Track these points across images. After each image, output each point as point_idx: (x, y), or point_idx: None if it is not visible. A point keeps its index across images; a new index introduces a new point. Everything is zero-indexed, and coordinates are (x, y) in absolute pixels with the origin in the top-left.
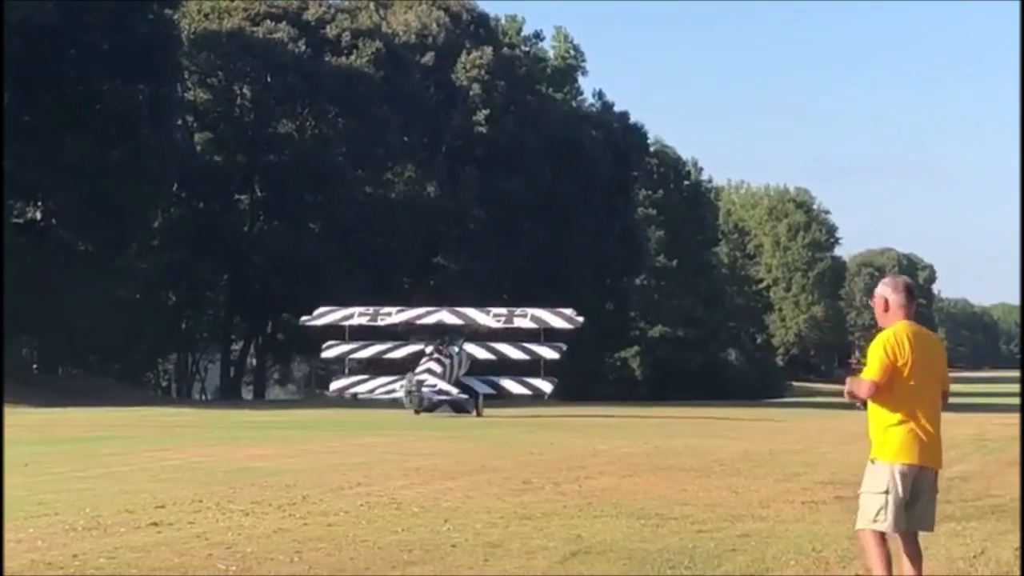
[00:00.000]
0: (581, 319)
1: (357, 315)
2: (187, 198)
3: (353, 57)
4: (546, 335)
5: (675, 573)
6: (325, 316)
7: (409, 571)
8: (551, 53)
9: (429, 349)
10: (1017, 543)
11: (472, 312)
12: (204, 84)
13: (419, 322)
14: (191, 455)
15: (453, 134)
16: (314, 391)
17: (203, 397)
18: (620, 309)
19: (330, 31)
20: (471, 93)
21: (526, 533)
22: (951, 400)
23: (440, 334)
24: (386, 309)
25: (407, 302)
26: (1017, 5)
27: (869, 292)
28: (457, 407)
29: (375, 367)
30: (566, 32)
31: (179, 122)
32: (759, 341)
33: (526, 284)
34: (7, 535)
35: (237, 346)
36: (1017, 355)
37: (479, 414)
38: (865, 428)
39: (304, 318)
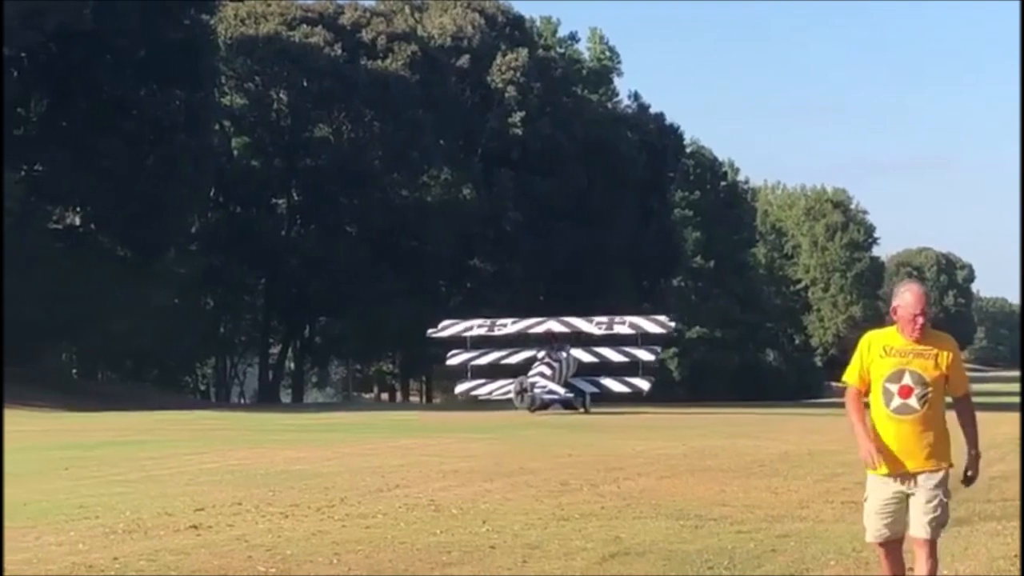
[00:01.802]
0: (673, 324)
1: (476, 327)
2: (224, 203)
3: (388, 60)
4: (642, 339)
5: (714, 574)
6: (449, 328)
7: (448, 572)
8: (586, 55)
9: (540, 354)
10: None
11: (577, 321)
12: (241, 89)
13: (531, 331)
14: (230, 458)
15: (488, 136)
16: (351, 394)
17: (241, 401)
18: (657, 310)
19: (365, 35)
20: (506, 95)
21: (565, 534)
22: (987, 400)
23: (549, 341)
24: (502, 321)
25: (443, 304)
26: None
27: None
28: (566, 405)
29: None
30: (601, 33)
31: (216, 127)
32: (797, 342)
33: (562, 286)
34: (47, 538)
35: (275, 350)
36: None
37: (586, 411)
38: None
39: (430, 331)
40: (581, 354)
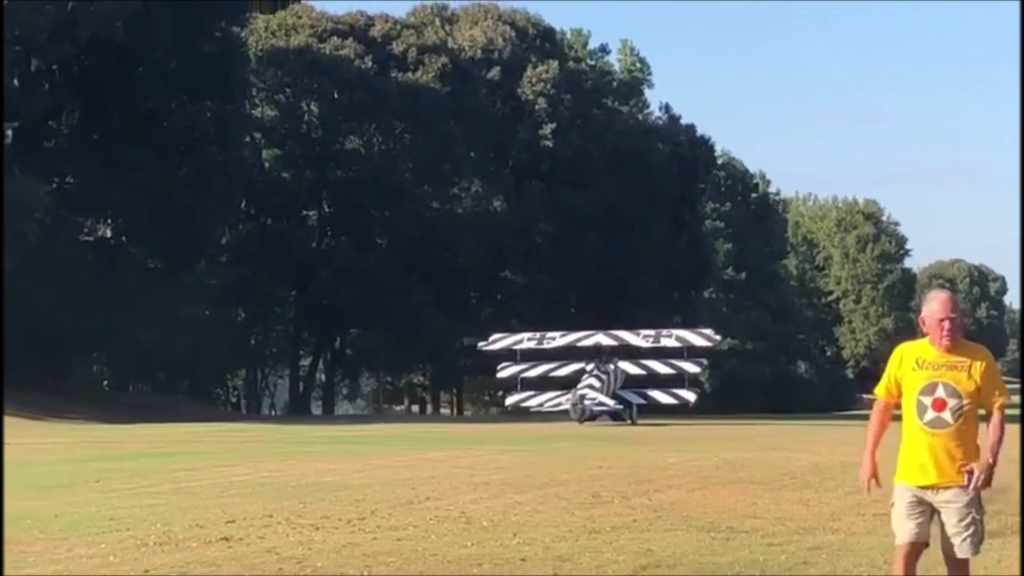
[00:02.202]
0: (719, 337)
1: (526, 340)
2: (255, 214)
3: (419, 73)
4: (688, 352)
5: None
6: (499, 342)
7: None
8: (617, 66)
9: (589, 367)
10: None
11: (625, 334)
12: (271, 101)
13: (580, 344)
14: (261, 470)
15: (519, 148)
16: (382, 406)
17: (272, 413)
18: (688, 323)
19: (396, 47)
20: (537, 107)
21: (596, 547)
22: (1014, 411)
23: (598, 354)
24: (551, 334)
25: (474, 316)
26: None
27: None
28: (615, 416)
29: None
30: (632, 45)
31: (247, 139)
32: (829, 354)
33: (593, 298)
34: (79, 550)
35: (305, 361)
36: None
37: (633, 422)
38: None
39: (480, 344)
40: (628, 366)
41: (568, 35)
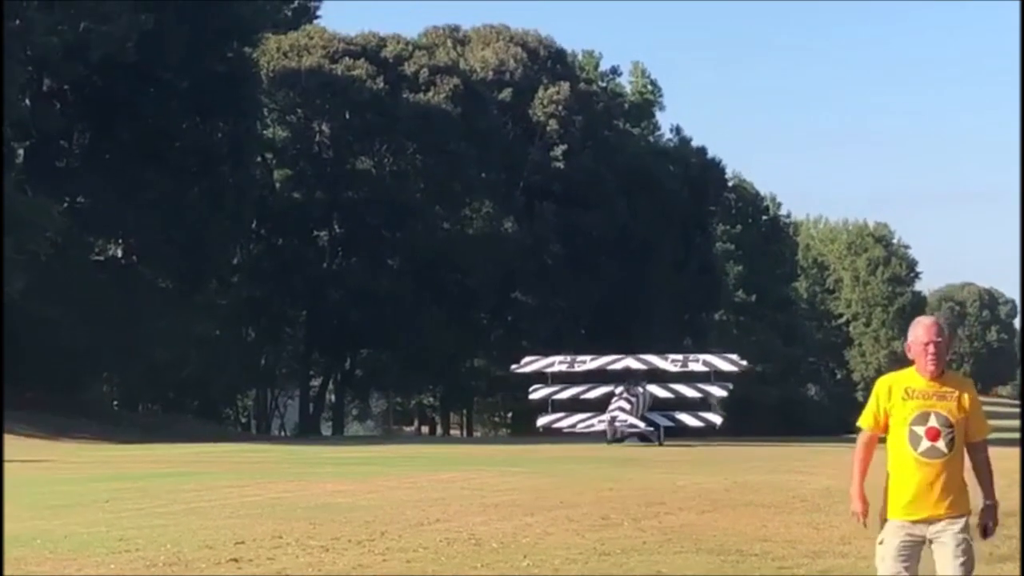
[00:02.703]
0: (745, 363)
1: (557, 363)
2: (266, 235)
3: (431, 94)
4: (715, 376)
5: None
6: (531, 364)
7: None
8: (628, 88)
9: (619, 390)
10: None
11: (653, 358)
12: (283, 121)
13: (609, 368)
14: (271, 491)
15: (530, 169)
16: (391, 427)
17: (282, 433)
18: (698, 344)
19: (408, 68)
20: (548, 128)
21: (605, 569)
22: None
23: (627, 377)
24: (581, 357)
25: (484, 337)
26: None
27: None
28: (643, 438)
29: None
30: (643, 67)
31: (258, 159)
32: (839, 376)
33: (604, 319)
34: (88, 571)
35: (316, 382)
36: None
37: (661, 443)
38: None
39: (513, 367)
40: (657, 390)
41: (579, 57)
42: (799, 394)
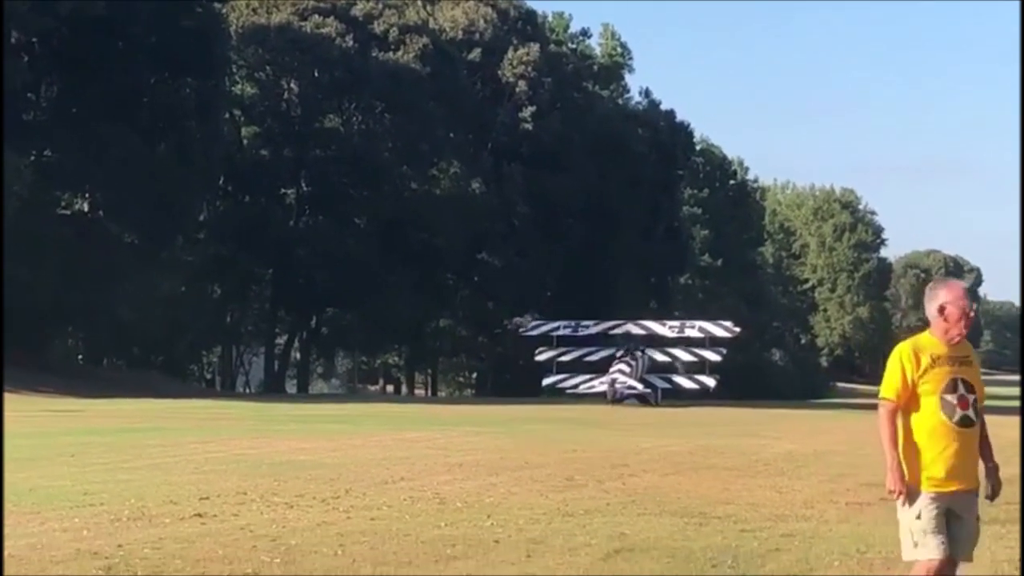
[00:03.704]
0: (739, 329)
1: (562, 327)
2: (233, 192)
3: (400, 53)
4: (710, 342)
5: (718, 572)
6: (538, 328)
7: (451, 566)
8: (598, 51)
9: (619, 353)
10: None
11: (652, 324)
12: (252, 78)
13: (611, 332)
14: (235, 447)
15: (499, 131)
16: (357, 386)
17: (247, 390)
18: (664, 308)
19: (377, 27)
20: (517, 90)
21: (569, 530)
22: (990, 403)
23: (627, 342)
24: (585, 322)
25: (450, 298)
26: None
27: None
28: (642, 399)
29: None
30: (613, 29)
31: (226, 116)
32: (803, 342)
33: (570, 281)
34: (52, 524)
35: (281, 340)
36: None
37: (657, 404)
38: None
39: (521, 330)
40: (655, 354)
41: (550, 18)
42: (764, 359)
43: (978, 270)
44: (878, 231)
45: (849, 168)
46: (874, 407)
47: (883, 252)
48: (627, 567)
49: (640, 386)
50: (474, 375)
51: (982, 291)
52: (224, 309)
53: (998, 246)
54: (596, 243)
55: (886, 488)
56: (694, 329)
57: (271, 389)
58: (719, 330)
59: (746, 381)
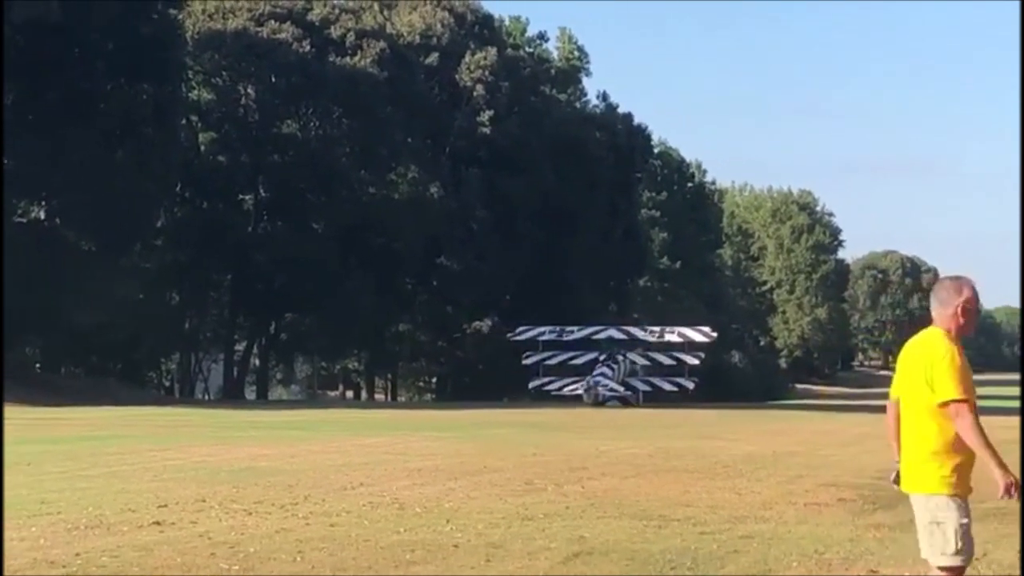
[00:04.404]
0: (715, 334)
1: (548, 332)
2: (191, 198)
3: (357, 57)
4: (688, 346)
5: (677, 574)
6: (525, 333)
7: (411, 571)
8: (555, 54)
9: (602, 357)
10: (1019, 545)
11: (634, 329)
12: (209, 84)
13: (594, 337)
14: (194, 454)
15: (457, 135)
16: (316, 392)
17: (206, 397)
18: (623, 311)
19: (334, 31)
20: (475, 94)
21: (528, 534)
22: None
23: (610, 346)
24: (569, 328)
25: (410, 302)
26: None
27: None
28: (624, 401)
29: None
30: (570, 33)
31: (183, 122)
32: (762, 343)
33: (529, 285)
34: (9, 533)
35: (240, 346)
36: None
37: (638, 406)
38: (867, 430)
39: (509, 334)
40: (637, 358)
41: (507, 22)
42: (723, 361)
43: (935, 270)
44: (836, 232)
45: (806, 170)
46: (831, 408)
47: (841, 253)
48: (586, 570)
49: (621, 388)
50: (434, 380)
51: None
52: (182, 315)
53: (956, 246)
54: (555, 246)
55: (1002, 490)
56: (673, 334)
57: (230, 396)
58: (698, 335)
59: (706, 383)
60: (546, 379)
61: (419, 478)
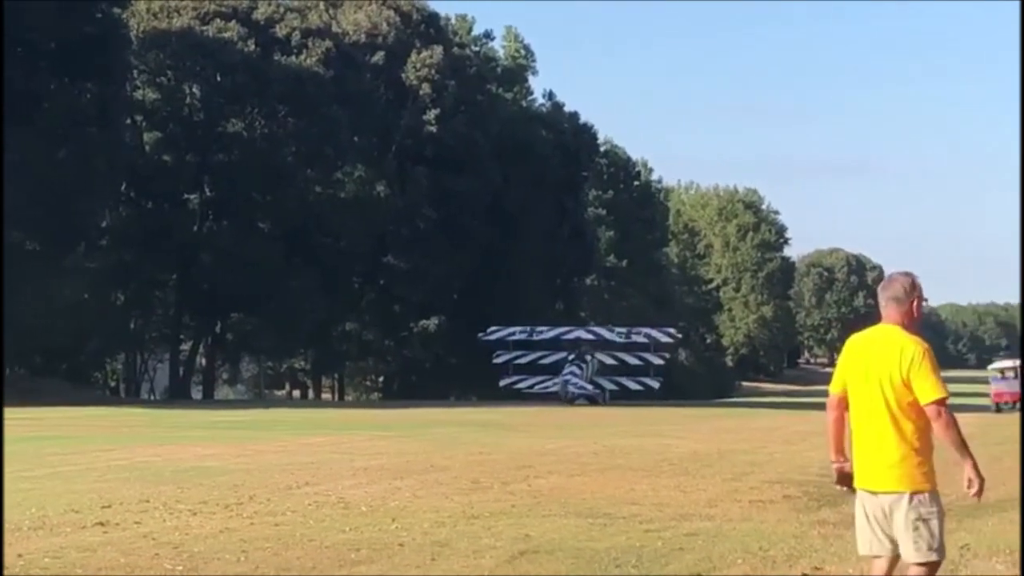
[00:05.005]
0: (680, 335)
1: (518, 332)
2: (136, 198)
3: (303, 56)
4: (654, 347)
5: (622, 572)
6: (496, 333)
7: (356, 570)
8: (501, 53)
9: (571, 357)
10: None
11: (601, 330)
12: (153, 83)
13: (563, 337)
14: (139, 455)
15: (403, 134)
16: (263, 391)
17: (151, 397)
18: (570, 309)
19: (280, 30)
20: (421, 93)
21: (474, 532)
22: None
23: (579, 347)
24: (540, 328)
25: (357, 301)
26: (950, 6)
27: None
28: (591, 400)
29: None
30: (516, 32)
31: (128, 121)
32: (709, 341)
33: (476, 283)
34: None
35: (186, 346)
36: (964, 355)
37: (605, 404)
38: (812, 428)
39: (480, 334)
40: (604, 357)
41: (452, 21)
42: (670, 359)
43: (880, 268)
44: (781, 231)
45: (752, 168)
46: (776, 406)
47: (786, 251)
48: (531, 568)
49: (590, 387)
50: (381, 379)
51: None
52: (128, 316)
53: (900, 244)
54: (502, 245)
55: (976, 489)
56: (640, 335)
57: (176, 395)
58: (663, 336)
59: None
60: (516, 377)
61: (365, 477)
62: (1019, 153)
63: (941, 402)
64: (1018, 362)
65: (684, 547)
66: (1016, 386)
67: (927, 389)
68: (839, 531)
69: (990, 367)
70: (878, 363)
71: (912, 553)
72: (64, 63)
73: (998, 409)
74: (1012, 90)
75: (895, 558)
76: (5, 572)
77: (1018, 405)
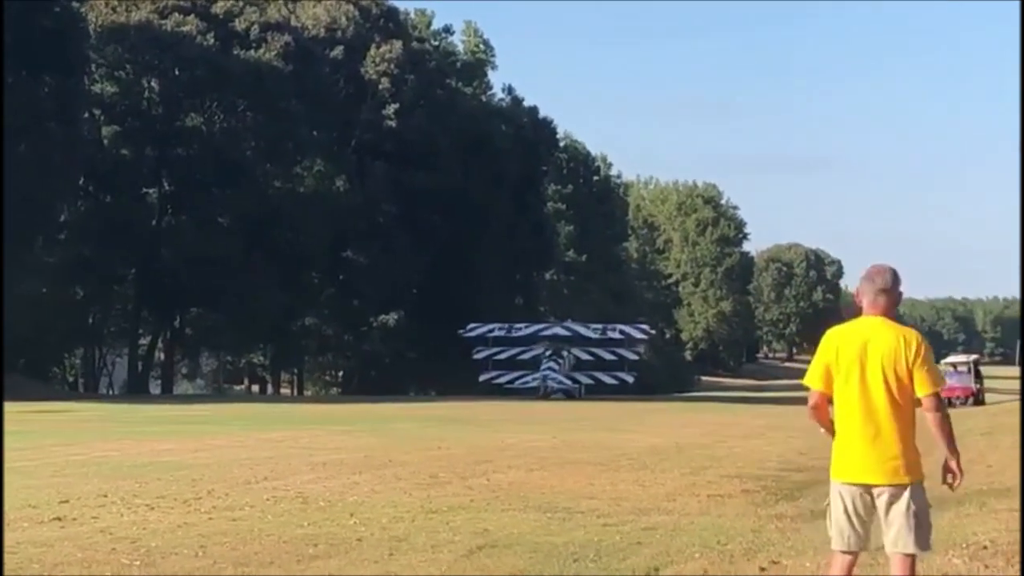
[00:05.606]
0: (653, 331)
1: (497, 329)
2: (94, 192)
3: (262, 51)
4: (628, 343)
5: (581, 566)
6: (476, 330)
7: (314, 565)
8: (461, 47)
9: (549, 352)
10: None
11: (577, 326)
12: (111, 77)
13: (541, 334)
14: (97, 450)
15: (362, 128)
16: (222, 386)
17: (110, 392)
18: (529, 304)
19: (239, 24)
20: (380, 87)
21: (432, 527)
22: None
23: (555, 342)
24: (518, 325)
25: (316, 296)
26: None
27: (777, 287)
28: (568, 394)
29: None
30: (476, 26)
31: (86, 115)
32: (668, 336)
33: (436, 278)
34: None
35: (145, 341)
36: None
37: (581, 398)
38: (770, 423)
39: (460, 331)
40: (580, 353)
41: (412, 15)
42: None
43: (839, 263)
44: (740, 226)
45: (711, 163)
46: (735, 400)
47: (745, 246)
48: (490, 563)
49: (568, 382)
50: (340, 373)
51: (843, 283)
52: (87, 310)
53: (858, 239)
54: (461, 240)
55: (959, 480)
56: (615, 331)
57: (134, 390)
58: (637, 332)
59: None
60: (496, 373)
61: (323, 472)
62: (1019, 153)
63: (939, 394)
64: (971, 357)
65: (642, 541)
66: (968, 381)
67: (928, 380)
68: (796, 525)
69: (943, 362)
70: (878, 355)
71: (911, 545)
72: (22, 57)
73: (950, 404)
74: (966, 85)
75: (856, 556)
76: None
77: (970, 400)
